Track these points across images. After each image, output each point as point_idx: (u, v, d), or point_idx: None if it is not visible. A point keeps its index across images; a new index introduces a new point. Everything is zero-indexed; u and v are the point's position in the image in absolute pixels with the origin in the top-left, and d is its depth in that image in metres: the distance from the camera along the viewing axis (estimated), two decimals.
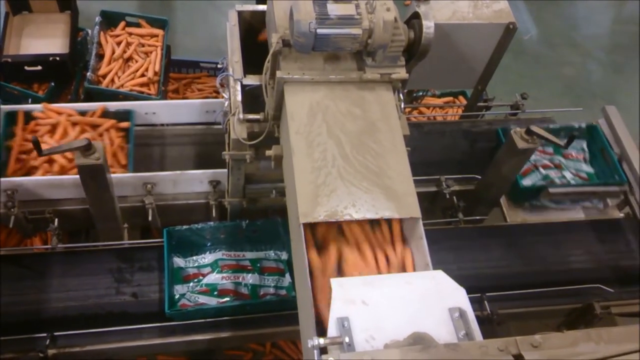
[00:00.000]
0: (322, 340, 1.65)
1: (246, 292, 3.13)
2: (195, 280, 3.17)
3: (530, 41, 6.73)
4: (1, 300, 2.96)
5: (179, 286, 3.13)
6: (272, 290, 3.18)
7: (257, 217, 3.32)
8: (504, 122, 4.16)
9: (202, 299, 3.08)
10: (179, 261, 3.22)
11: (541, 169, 3.75)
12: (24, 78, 4.33)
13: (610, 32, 7.22)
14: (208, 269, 3.19)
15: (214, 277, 3.14)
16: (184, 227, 3.17)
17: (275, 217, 3.27)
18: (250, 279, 3.16)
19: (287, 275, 3.24)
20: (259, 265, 3.24)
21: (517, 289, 3.34)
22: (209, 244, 3.26)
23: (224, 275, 3.14)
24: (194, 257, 3.25)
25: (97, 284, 3.13)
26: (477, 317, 1.82)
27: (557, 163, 3.81)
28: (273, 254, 3.31)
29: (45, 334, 2.85)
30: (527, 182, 3.67)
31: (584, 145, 3.92)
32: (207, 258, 3.22)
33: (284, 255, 3.31)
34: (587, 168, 3.85)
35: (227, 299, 3.09)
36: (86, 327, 2.94)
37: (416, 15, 2.45)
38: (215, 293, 3.10)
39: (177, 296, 3.10)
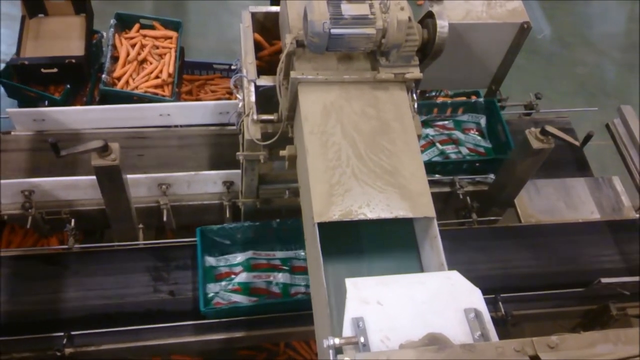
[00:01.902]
0: (337, 340, 1.65)
1: (277, 290, 3.19)
2: (228, 279, 3.21)
3: (543, 40, 6.68)
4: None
5: (211, 284, 3.18)
6: (302, 289, 3.23)
7: (271, 217, 3.33)
8: (518, 122, 4.15)
9: (235, 298, 3.14)
10: (210, 260, 3.27)
11: (438, 145, 3.80)
12: (41, 80, 4.38)
13: (625, 30, 7.14)
14: (239, 268, 3.24)
15: (245, 276, 3.20)
16: (216, 226, 3.22)
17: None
18: (281, 278, 3.23)
19: None
20: (289, 264, 3.29)
21: (531, 290, 3.31)
22: (240, 244, 3.32)
23: (256, 274, 3.21)
24: (226, 256, 3.30)
25: (134, 283, 3.20)
26: (491, 318, 1.81)
27: (454, 138, 3.86)
28: (303, 254, 3.33)
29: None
30: (423, 157, 3.58)
31: (482, 120, 3.97)
32: (239, 257, 3.28)
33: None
34: (485, 143, 3.90)
35: (258, 298, 3.14)
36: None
37: (430, 15, 2.45)
38: (248, 292, 3.16)
39: (210, 294, 3.15)
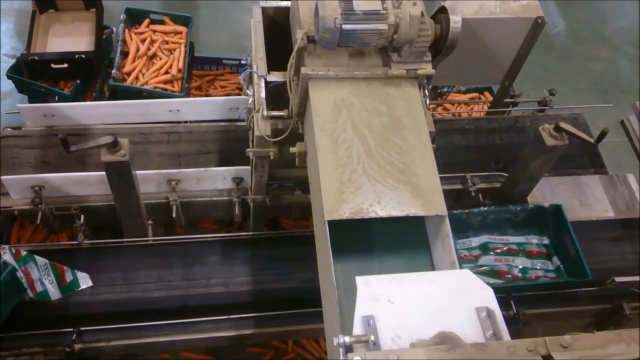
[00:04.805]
0: (347, 339, 1.64)
1: (517, 274, 3.30)
2: (470, 261, 3.33)
3: (557, 35, 6.60)
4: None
5: None
6: (540, 273, 3.33)
7: (280, 214, 3.31)
8: (531, 119, 4.10)
9: (486, 279, 3.21)
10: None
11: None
12: (51, 75, 4.38)
13: None
14: (478, 251, 3.37)
15: (486, 259, 3.33)
16: (455, 211, 3.30)
17: (541, 202, 3.44)
18: (519, 262, 3.33)
19: (554, 259, 3.37)
20: (523, 248, 3.39)
21: (543, 289, 3.28)
22: (474, 228, 3.42)
23: (496, 257, 3.34)
24: (462, 240, 3.40)
25: (143, 279, 3.22)
26: (503, 317, 1.79)
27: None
28: (534, 239, 3.45)
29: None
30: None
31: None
32: (474, 241, 3.41)
33: (545, 240, 3.44)
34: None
35: (501, 280, 3.26)
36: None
37: (443, 10, 2.42)
38: (492, 274, 3.28)
39: None
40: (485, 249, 3.39)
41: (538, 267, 3.37)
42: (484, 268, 3.32)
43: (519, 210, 3.41)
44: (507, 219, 3.43)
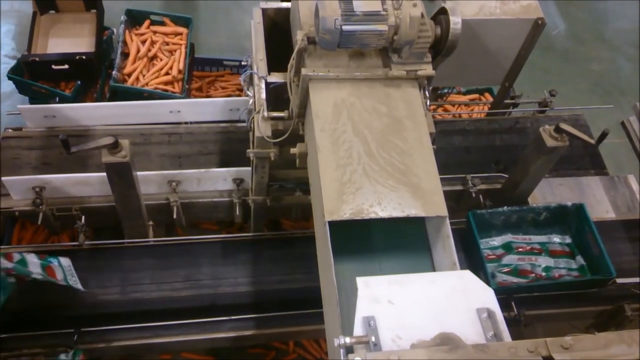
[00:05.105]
0: (348, 339, 1.64)
1: (541, 273, 3.33)
2: (493, 261, 3.36)
3: (558, 36, 6.60)
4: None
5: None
6: (564, 272, 3.36)
7: (281, 215, 3.31)
8: (532, 120, 4.10)
9: (507, 278, 3.28)
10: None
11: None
12: (51, 77, 4.39)
13: None
14: (501, 251, 3.39)
15: (509, 258, 3.36)
16: (478, 211, 3.36)
17: (564, 202, 3.44)
18: (542, 261, 3.36)
19: (578, 258, 3.39)
20: (546, 247, 3.42)
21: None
22: (497, 228, 3.43)
23: (519, 257, 3.37)
24: (484, 240, 3.42)
25: (144, 280, 3.22)
26: (504, 318, 1.79)
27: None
28: (556, 237, 3.48)
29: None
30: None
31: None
32: (497, 240, 3.43)
33: (567, 239, 3.47)
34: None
35: (526, 279, 3.29)
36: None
37: (443, 11, 2.42)
38: (516, 273, 3.31)
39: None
40: (508, 248, 3.43)
41: (561, 266, 3.40)
42: (508, 267, 3.36)
43: (541, 209, 3.43)
44: (530, 218, 3.45)
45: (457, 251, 2.05)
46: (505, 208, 3.41)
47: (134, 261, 3.24)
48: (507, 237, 3.46)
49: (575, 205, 3.42)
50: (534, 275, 3.34)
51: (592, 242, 3.31)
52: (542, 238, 3.49)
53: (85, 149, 2.78)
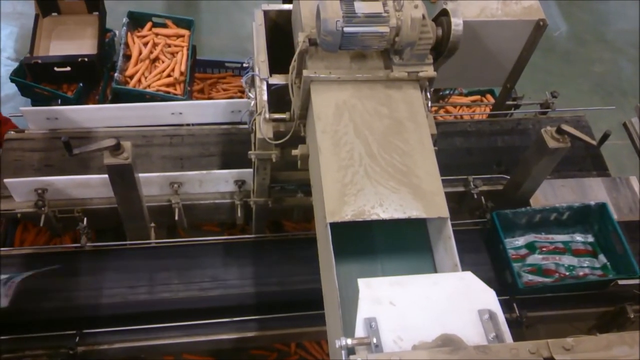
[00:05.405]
0: (349, 341, 1.64)
1: (564, 272, 3.34)
2: (518, 261, 3.37)
3: (559, 38, 6.60)
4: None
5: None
6: (588, 271, 3.37)
7: (283, 217, 3.30)
8: (533, 121, 4.10)
9: (532, 277, 3.29)
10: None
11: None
12: (54, 79, 4.40)
13: None
14: (524, 251, 3.41)
15: (534, 258, 3.37)
16: (502, 210, 3.35)
17: (587, 202, 3.46)
18: (566, 260, 3.37)
19: (601, 257, 3.41)
20: (569, 247, 3.43)
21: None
22: (520, 227, 3.45)
23: (543, 256, 3.40)
24: (508, 239, 3.43)
25: (146, 281, 3.22)
26: (505, 320, 1.79)
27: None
28: (579, 237, 3.50)
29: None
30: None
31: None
32: (520, 240, 3.45)
33: (590, 238, 3.49)
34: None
35: (549, 279, 3.30)
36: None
37: (444, 13, 2.42)
38: (541, 273, 3.32)
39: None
40: (532, 247, 3.44)
41: (585, 265, 3.40)
42: (532, 267, 3.37)
43: (564, 208, 3.44)
44: (554, 217, 3.46)
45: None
46: (528, 208, 3.43)
47: (135, 263, 3.24)
48: (531, 237, 3.47)
49: (598, 205, 3.43)
50: (558, 274, 3.35)
51: (616, 241, 3.32)
52: (564, 237, 3.51)
53: (87, 151, 2.79)
